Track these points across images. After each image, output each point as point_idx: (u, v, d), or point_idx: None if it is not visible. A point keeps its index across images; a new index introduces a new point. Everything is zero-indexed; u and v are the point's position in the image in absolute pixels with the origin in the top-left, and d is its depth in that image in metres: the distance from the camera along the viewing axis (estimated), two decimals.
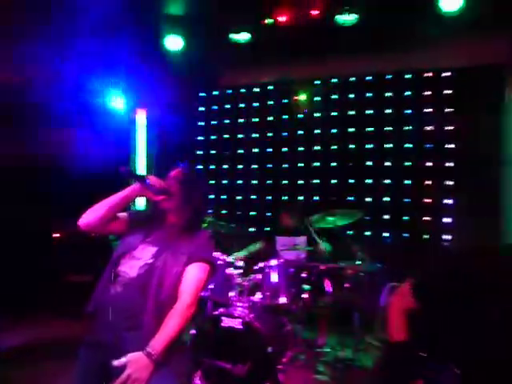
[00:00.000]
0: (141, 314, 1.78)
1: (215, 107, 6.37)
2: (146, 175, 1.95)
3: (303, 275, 3.79)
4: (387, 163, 5.50)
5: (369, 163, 5.59)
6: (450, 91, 5.25)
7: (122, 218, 2.01)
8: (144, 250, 1.91)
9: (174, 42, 5.08)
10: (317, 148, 5.84)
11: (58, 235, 5.75)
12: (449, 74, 5.25)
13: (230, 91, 6.27)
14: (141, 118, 6.36)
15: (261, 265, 3.67)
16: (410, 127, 5.43)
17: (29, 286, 5.02)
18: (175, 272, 1.87)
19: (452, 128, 5.24)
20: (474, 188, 4.94)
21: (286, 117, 5.96)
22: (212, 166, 6.33)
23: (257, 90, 6.12)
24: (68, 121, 5.41)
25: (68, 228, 5.45)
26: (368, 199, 5.53)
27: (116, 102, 5.85)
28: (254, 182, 6.12)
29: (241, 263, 3.63)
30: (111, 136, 5.99)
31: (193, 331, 3.24)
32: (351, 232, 4.86)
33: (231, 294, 3.53)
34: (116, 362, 1.65)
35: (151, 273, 1.84)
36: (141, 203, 5.36)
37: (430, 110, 5.36)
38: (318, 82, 5.77)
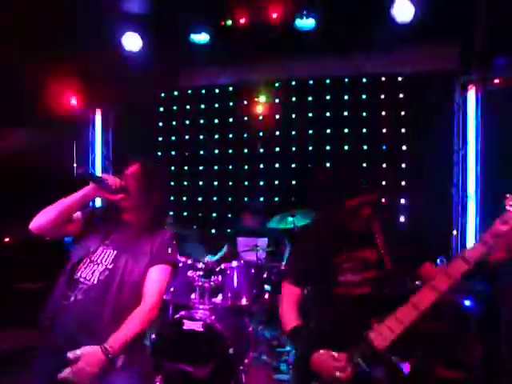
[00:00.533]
0: (101, 319, 1.73)
1: (175, 108, 6.31)
2: (102, 175, 1.89)
3: (264, 276, 3.82)
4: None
5: (328, 164, 5.72)
6: (403, 95, 5.48)
7: (77, 220, 1.93)
8: (103, 254, 1.85)
9: (132, 41, 4.98)
10: (277, 149, 5.91)
11: (7, 240, 5.49)
12: (402, 79, 5.47)
13: (190, 92, 6.22)
14: (98, 118, 6.20)
15: (222, 266, 3.67)
16: (366, 130, 5.61)
17: None
18: (137, 274, 1.83)
19: (405, 130, 5.47)
20: (426, 188, 5.18)
21: (246, 118, 5.99)
22: (172, 168, 6.25)
23: (217, 91, 6.11)
24: (23, 120, 5.19)
25: (19, 232, 5.22)
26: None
27: (73, 101, 5.67)
28: (215, 183, 6.10)
29: (201, 265, 3.61)
30: (68, 136, 5.79)
31: (153, 336, 3.19)
32: None
33: (192, 296, 3.51)
34: (71, 354, 1.61)
35: (112, 278, 1.79)
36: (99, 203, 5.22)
37: (385, 113, 5.56)
38: (277, 84, 5.84)
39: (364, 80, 5.61)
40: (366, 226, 1.90)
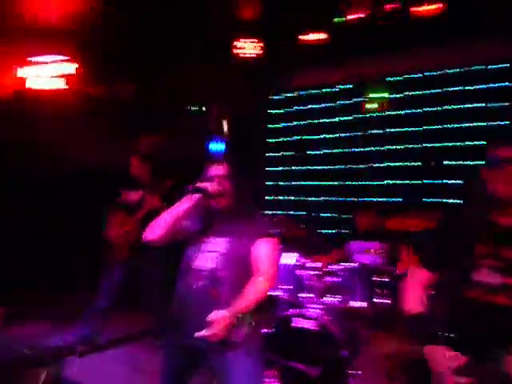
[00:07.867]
0: (221, 297, 1.92)
1: (288, 109, 6.40)
2: (201, 184, 2.01)
3: (378, 279, 3.65)
4: (469, 162, 5.11)
5: (449, 162, 5.26)
6: None
7: (186, 228, 2.11)
8: (214, 243, 2.04)
9: (247, 46, 5.19)
10: (392, 148, 5.61)
11: None
12: None
13: (302, 92, 6.25)
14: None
15: (334, 267, 3.61)
16: (498, 122, 4.99)
17: None
18: (244, 253, 1.99)
19: None
20: None
21: (359, 116, 5.80)
22: (284, 168, 6.36)
23: (330, 89, 6.04)
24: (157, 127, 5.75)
25: None
26: (451, 201, 5.19)
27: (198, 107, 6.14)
28: (327, 183, 6.03)
29: (312, 264, 3.59)
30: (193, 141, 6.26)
31: (265, 330, 3.27)
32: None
33: (303, 295, 3.52)
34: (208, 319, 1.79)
35: (225, 261, 1.97)
36: None
37: None
38: (394, 79, 5.55)
39: (495, 66, 5.02)
40: None
